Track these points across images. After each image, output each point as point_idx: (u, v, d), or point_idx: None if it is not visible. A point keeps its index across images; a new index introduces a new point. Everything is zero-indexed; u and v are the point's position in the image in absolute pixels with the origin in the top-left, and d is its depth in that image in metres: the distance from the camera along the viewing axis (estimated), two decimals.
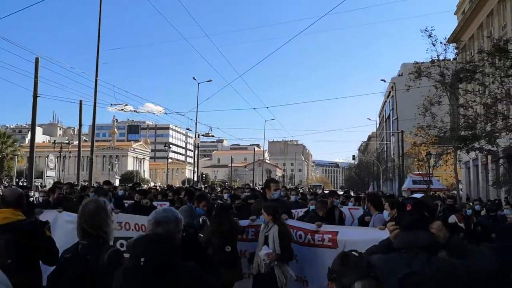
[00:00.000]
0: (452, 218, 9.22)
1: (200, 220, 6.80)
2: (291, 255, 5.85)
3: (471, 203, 16.47)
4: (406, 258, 2.60)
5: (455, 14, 41.63)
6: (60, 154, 58.55)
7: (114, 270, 2.67)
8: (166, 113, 65.53)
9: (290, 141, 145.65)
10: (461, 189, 33.45)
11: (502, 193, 23.83)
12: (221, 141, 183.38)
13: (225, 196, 12.33)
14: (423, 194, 3.58)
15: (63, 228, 6.60)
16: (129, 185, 23.80)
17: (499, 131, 16.41)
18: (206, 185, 54.99)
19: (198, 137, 45.46)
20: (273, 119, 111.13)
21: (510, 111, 17.34)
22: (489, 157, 20.63)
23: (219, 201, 9.42)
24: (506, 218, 8.37)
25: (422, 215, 2.83)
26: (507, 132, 15.92)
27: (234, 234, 6.47)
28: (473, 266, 2.50)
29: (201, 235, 5.63)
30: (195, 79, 44.44)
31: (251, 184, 53.23)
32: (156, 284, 2.45)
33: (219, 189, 21.12)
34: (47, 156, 34.42)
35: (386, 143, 75.66)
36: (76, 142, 42.31)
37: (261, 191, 10.58)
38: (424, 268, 2.50)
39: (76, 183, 29.97)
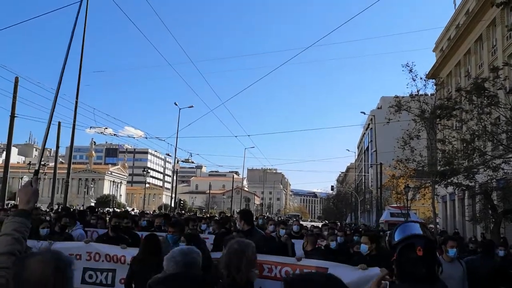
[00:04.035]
0: None
1: None
2: None
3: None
4: None
5: (433, 51, 42.84)
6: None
7: None
8: (146, 138, 64.99)
9: (269, 169, 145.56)
10: (438, 223, 33.73)
11: (478, 228, 24.08)
12: (200, 167, 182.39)
13: (203, 227, 10.61)
14: (420, 229, 2.30)
15: None
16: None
17: (477, 167, 16.66)
18: (183, 211, 54.28)
19: (178, 163, 45.09)
20: (253, 147, 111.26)
21: (486, 148, 17.66)
22: (466, 192, 20.86)
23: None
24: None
25: (436, 263, 2.17)
26: (485, 168, 16.16)
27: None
28: None
29: None
30: (176, 105, 44.40)
31: (226, 212, 52.71)
32: None
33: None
34: (21, 177, 33.59)
35: (365, 175, 76.28)
36: (52, 164, 41.45)
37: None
38: None
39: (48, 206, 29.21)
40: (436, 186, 23.36)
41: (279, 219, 41.26)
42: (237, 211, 8.22)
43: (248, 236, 6.61)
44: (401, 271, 2.16)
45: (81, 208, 23.37)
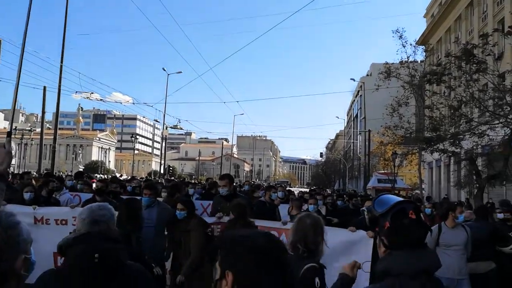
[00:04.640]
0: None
1: None
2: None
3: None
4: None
5: (424, 16, 42.47)
6: (21, 142, 56.71)
7: None
8: (133, 103, 64.47)
9: (259, 136, 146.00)
10: (423, 188, 34.28)
11: (462, 193, 24.52)
12: (189, 134, 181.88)
13: (190, 191, 11.57)
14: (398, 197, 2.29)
15: None
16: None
17: (463, 133, 16.77)
18: (172, 177, 54.43)
19: (166, 129, 44.86)
20: (243, 114, 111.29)
21: (473, 114, 17.73)
22: (452, 158, 21.10)
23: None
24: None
25: (428, 227, 2.12)
26: (471, 135, 16.29)
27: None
28: None
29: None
30: (164, 70, 43.79)
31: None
32: (111, 283, 2.26)
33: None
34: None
35: (353, 142, 76.79)
36: (38, 130, 41.02)
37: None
38: None
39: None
40: (423, 153, 23.59)
41: (269, 185, 41.57)
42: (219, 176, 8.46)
43: (233, 199, 6.66)
44: (394, 239, 2.05)
45: (70, 174, 23.33)
